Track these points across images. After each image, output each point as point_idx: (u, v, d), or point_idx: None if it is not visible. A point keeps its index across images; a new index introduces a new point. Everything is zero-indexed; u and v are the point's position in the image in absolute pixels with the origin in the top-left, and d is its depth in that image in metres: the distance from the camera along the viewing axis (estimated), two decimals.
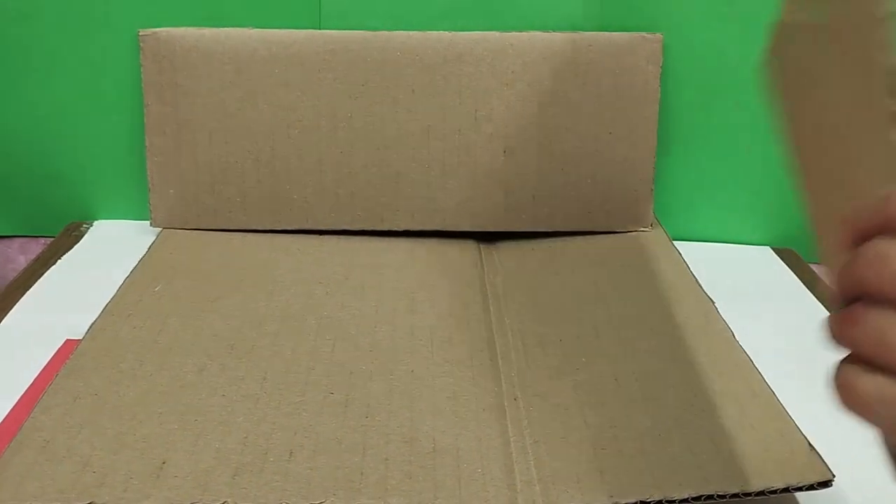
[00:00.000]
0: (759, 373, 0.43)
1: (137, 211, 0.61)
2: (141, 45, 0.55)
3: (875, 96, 0.33)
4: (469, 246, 0.57)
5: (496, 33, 0.55)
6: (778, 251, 0.62)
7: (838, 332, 0.26)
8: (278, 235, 0.57)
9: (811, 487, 0.35)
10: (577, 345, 0.46)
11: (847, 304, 0.27)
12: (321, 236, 0.58)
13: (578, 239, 0.58)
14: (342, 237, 0.58)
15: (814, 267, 0.62)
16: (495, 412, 0.40)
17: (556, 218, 0.58)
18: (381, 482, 0.35)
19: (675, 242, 0.57)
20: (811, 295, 0.56)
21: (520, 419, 0.40)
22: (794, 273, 0.59)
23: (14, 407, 0.41)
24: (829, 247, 0.33)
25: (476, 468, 0.36)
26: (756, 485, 0.35)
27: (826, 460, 0.36)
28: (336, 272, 0.53)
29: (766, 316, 0.52)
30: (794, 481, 0.35)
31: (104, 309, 0.47)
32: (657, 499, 0.34)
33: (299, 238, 0.57)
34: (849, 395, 0.25)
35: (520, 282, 0.53)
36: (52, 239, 0.60)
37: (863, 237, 0.26)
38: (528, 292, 0.51)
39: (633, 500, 0.34)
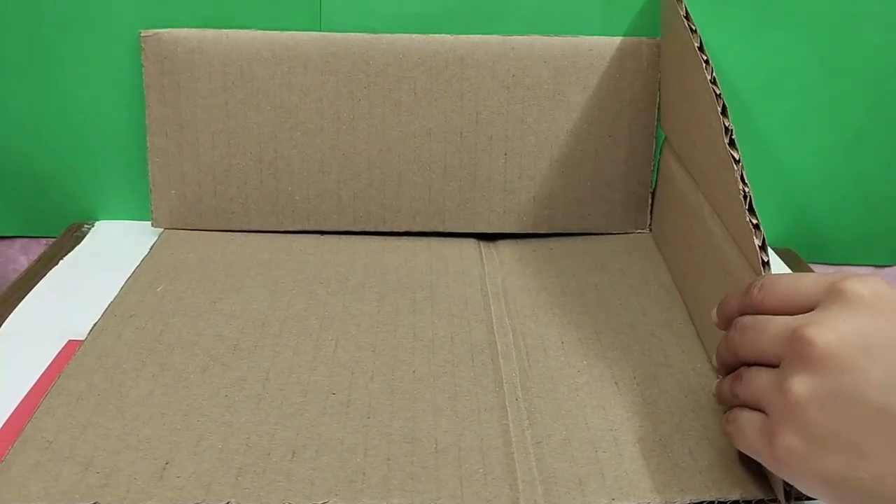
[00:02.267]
0: None
1: (139, 211, 0.61)
2: (142, 46, 0.55)
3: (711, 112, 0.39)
4: (470, 246, 0.58)
5: (497, 37, 0.55)
6: (777, 251, 0.62)
7: (729, 391, 0.34)
8: (280, 236, 0.58)
9: None
10: (578, 347, 0.46)
11: (727, 373, 0.35)
12: (322, 237, 0.58)
13: (578, 240, 0.58)
14: (343, 237, 0.58)
15: (814, 267, 0.62)
16: (497, 412, 0.40)
17: (555, 220, 0.58)
18: (384, 482, 0.35)
19: None
20: None
21: (521, 419, 0.40)
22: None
23: (16, 408, 0.41)
24: (708, 334, 0.43)
25: (478, 468, 0.36)
26: (757, 491, 0.35)
27: None
28: (338, 272, 0.53)
29: None
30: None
31: (106, 309, 0.47)
32: (658, 503, 0.35)
33: (301, 239, 0.57)
34: (734, 427, 0.33)
35: (521, 283, 0.53)
36: (53, 239, 0.60)
37: (731, 319, 0.34)
38: (529, 293, 0.51)
39: None
